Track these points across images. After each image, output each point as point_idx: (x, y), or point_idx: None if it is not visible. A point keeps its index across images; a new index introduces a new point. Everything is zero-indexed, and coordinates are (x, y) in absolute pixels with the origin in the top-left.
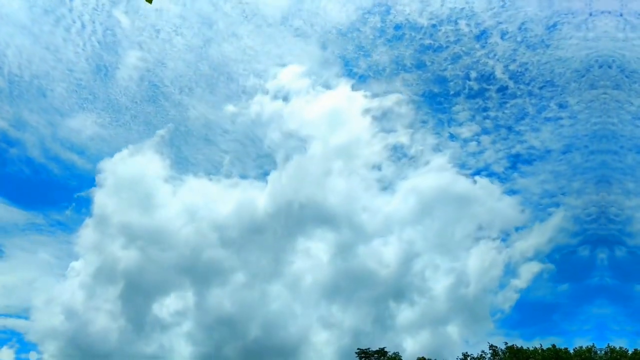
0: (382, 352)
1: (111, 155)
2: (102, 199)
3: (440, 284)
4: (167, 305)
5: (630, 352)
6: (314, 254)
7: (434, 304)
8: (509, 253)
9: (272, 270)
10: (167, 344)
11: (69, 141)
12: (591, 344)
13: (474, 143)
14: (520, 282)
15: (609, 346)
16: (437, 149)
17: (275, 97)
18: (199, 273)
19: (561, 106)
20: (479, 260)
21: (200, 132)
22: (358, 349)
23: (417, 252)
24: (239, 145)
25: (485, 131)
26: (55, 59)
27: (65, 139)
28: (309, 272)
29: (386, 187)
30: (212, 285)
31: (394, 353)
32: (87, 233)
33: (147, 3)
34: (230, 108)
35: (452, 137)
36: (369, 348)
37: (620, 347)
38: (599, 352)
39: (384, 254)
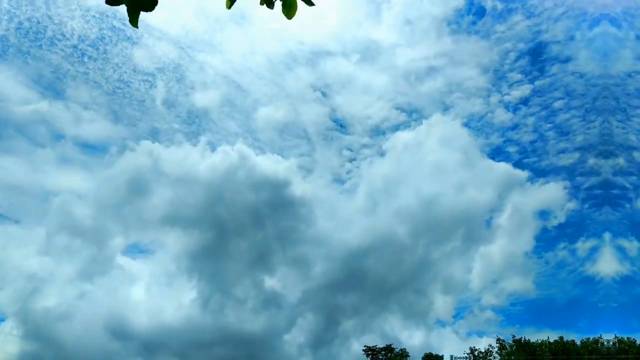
0: (389, 348)
1: None
2: None
3: None
4: None
5: (638, 342)
6: None
7: None
8: None
9: None
10: None
11: None
12: (598, 335)
13: None
14: None
15: (616, 337)
16: None
17: None
18: None
19: None
20: None
21: None
22: (365, 346)
23: None
24: None
25: None
26: None
27: None
28: None
29: None
30: None
31: (401, 349)
32: None
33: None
34: None
35: None
36: (375, 345)
37: (628, 338)
38: (605, 343)
39: None
